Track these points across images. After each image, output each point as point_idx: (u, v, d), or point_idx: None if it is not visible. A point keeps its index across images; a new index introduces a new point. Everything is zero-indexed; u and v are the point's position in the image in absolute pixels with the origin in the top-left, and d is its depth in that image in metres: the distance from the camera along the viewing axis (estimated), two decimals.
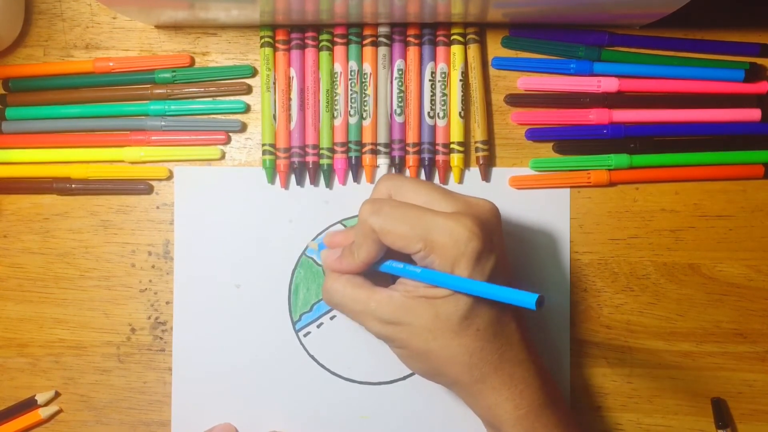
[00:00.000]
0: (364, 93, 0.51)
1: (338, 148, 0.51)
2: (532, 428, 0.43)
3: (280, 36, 0.51)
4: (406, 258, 0.43)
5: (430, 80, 0.51)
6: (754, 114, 0.51)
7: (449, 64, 0.51)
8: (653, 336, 0.52)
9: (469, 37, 0.51)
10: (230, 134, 0.52)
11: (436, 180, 0.52)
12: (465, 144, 0.51)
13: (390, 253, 0.44)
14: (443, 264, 0.41)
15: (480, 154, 0.51)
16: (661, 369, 0.52)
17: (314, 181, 0.52)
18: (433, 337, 0.42)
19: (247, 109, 0.52)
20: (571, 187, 0.52)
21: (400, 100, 0.51)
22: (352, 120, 0.51)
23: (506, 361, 0.43)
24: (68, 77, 0.52)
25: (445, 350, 0.42)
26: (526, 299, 0.38)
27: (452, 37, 0.51)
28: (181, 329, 0.52)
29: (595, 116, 0.51)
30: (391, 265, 0.44)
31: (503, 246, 0.44)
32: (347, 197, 0.52)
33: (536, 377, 0.43)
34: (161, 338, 0.52)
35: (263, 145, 0.51)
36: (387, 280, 0.45)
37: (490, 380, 0.42)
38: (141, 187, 0.52)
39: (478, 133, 0.51)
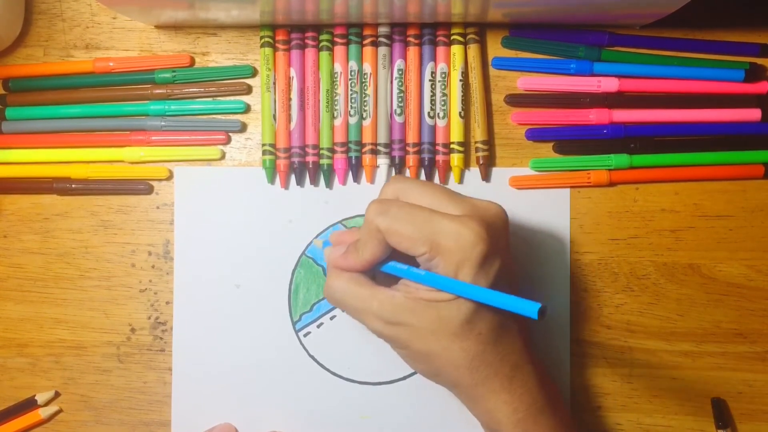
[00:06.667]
0: (364, 93, 0.51)
1: (338, 148, 0.51)
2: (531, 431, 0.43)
3: (280, 36, 0.51)
4: (410, 259, 0.43)
5: (430, 80, 0.51)
6: (754, 114, 0.51)
7: (449, 64, 0.51)
8: (653, 336, 0.52)
9: (469, 37, 0.51)
10: (230, 134, 0.52)
11: (436, 180, 0.52)
12: (465, 144, 0.51)
13: (394, 254, 0.43)
14: (447, 267, 0.40)
15: (480, 154, 0.51)
16: (661, 369, 0.52)
17: (314, 181, 0.52)
18: (435, 339, 0.42)
19: (247, 109, 0.52)
20: (571, 187, 0.52)
21: (400, 100, 0.51)
22: (352, 120, 0.51)
23: (506, 365, 0.42)
24: (68, 77, 0.52)
25: (446, 353, 0.42)
26: (529, 308, 0.37)
27: (452, 37, 0.51)
28: (181, 329, 0.52)
29: (595, 116, 0.51)
30: (395, 266, 0.44)
31: (509, 250, 0.44)
32: (347, 197, 0.52)
33: (535, 381, 0.43)
34: (161, 338, 0.52)
35: (263, 145, 0.51)
36: (389, 281, 0.45)
37: (489, 383, 0.42)
38: (141, 187, 0.52)
39: (478, 133, 0.51)
